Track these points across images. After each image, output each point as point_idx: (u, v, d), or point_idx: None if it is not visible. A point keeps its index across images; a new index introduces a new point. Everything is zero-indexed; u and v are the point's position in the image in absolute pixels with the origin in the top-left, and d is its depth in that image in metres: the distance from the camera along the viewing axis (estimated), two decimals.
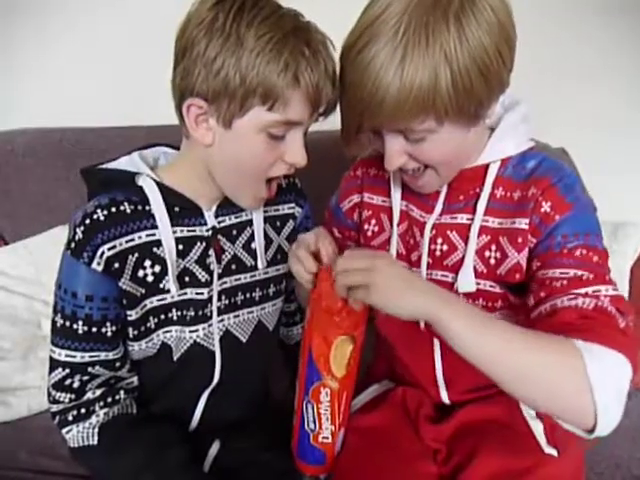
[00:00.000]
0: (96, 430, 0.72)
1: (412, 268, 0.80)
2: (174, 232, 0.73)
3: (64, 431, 0.73)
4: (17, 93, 1.54)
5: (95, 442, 0.72)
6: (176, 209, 0.73)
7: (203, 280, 0.76)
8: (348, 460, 0.77)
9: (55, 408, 0.74)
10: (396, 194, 0.81)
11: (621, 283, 1.25)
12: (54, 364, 0.72)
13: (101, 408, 0.73)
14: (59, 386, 0.72)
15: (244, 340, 0.82)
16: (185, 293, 0.75)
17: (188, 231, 0.75)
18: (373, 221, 0.84)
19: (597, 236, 0.68)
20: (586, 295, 0.63)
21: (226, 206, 0.77)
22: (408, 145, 0.68)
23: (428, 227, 0.77)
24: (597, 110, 1.41)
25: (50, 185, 1.38)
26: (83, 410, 0.72)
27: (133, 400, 0.77)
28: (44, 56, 1.53)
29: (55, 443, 1.01)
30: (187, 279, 0.75)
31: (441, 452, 0.78)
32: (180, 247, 0.74)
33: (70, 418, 0.72)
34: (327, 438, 0.75)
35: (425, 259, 0.78)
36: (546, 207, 0.68)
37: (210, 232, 0.76)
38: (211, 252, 0.76)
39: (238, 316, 0.81)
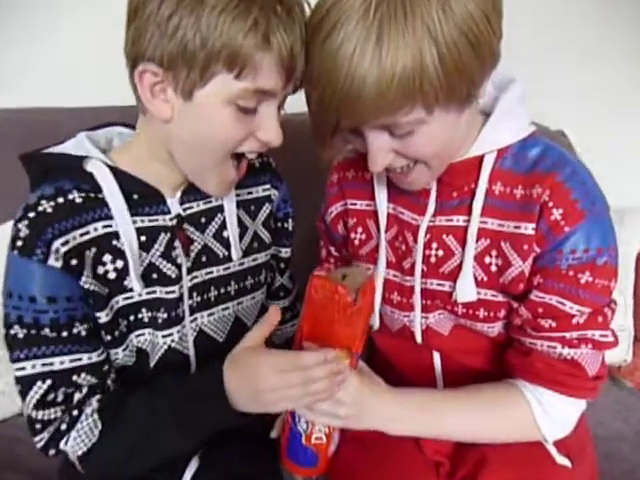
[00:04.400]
0: (96, 416, 0.63)
1: (405, 277, 0.73)
2: (134, 222, 0.64)
3: (62, 447, 0.63)
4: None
5: (99, 428, 0.62)
6: (134, 196, 0.64)
7: (172, 276, 0.67)
8: (343, 474, 0.70)
9: (41, 437, 0.62)
10: (381, 195, 0.73)
11: (626, 272, 1.22)
12: (27, 381, 0.60)
13: (93, 396, 0.64)
14: (41, 404, 0.61)
15: (221, 340, 0.73)
16: (154, 292, 0.66)
17: (150, 221, 0.65)
18: (359, 229, 0.77)
19: (609, 249, 0.62)
20: (569, 342, 0.64)
21: (192, 191, 0.68)
22: (394, 141, 0.59)
23: (422, 231, 0.69)
24: (597, 91, 1.34)
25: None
26: (75, 412, 0.63)
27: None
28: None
29: (19, 454, 0.92)
30: (154, 276, 0.66)
31: (444, 466, 0.73)
32: (142, 239, 0.65)
33: (64, 427, 0.62)
34: (320, 439, 0.68)
35: (419, 267, 0.71)
36: (556, 215, 0.61)
37: (175, 221, 0.67)
38: (177, 244, 0.67)
39: (213, 314, 0.72)
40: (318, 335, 0.62)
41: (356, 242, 0.77)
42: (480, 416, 0.68)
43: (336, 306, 0.60)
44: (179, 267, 0.67)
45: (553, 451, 0.70)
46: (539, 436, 0.67)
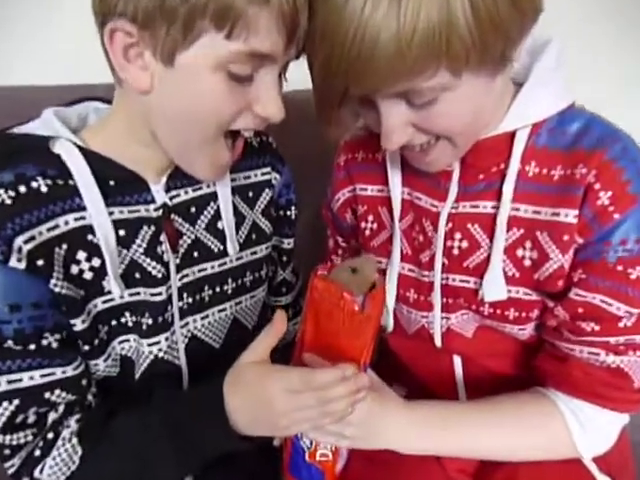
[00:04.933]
0: (75, 440, 0.54)
1: (423, 272, 0.65)
2: (110, 213, 0.55)
3: (37, 475, 0.54)
4: None
5: (79, 454, 0.54)
6: (111, 183, 0.55)
7: (158, 276, 0.58)
8: None
9: (12, 463, 0.54)
10: (395, 179, 0.65)
11: None
12: None
13: (71, 415, 0.56)
14: (9, 427, 0.53)
15: (217, 346, 0.65)
16: (138, 293, 0.57)
17: (130, 212, 0.56)
18: (370, 217, 0.69)
19: None
20: (615, 348, 0.57)
21: (180, 176, 0.59)
22: (413, 113, 0.51)
23: (442, 219, 0.61)
24: (615, 63, 1.21)
25: None
26: (50, 435, 0.54)
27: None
28: None
29: None
30: (137, 275, 0.57)
31: None
32: (121, 233, 0.56)
33: (37, 453, 0.54)
34: (326, 455, 0.61)
35: (439, 260, 0.63)
36: (604, 199, 0.53)
37: (160, 211, 0.58)
38: (163, 238, 0.58)
39: (207, 317, 0.63)
40: (322, 345, 0.54)
41: (367, 232, 0.69)
42: (509, 432, 0.61)
43: (341, 314, 0.52)
44: (166, 265, 0.59)
45: (593, 468, 0.62)
46: (575, 453, 0.60)
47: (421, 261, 0.65)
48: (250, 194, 0.67)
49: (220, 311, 0.65)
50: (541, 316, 0.61)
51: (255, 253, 0.68)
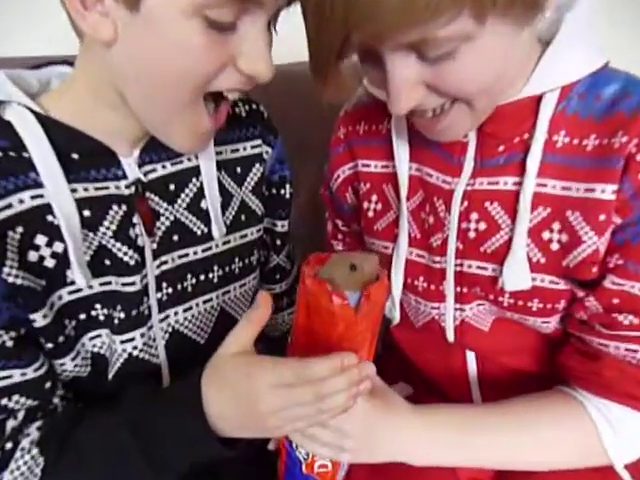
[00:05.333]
0: (35, 451, 0.47)
1: (434, 257, 0.57)
2: (73, 191, 0.47)
3: None
4: None
5: (41, 466, 0.47)
6: (74, 155, 0.47)
7: (131, 263, 0.50)
8: None
9: None
10: (401, 152, 0.58)
11: None
12: None
13: (32, 423, 0.49)
14: None
15: (202, 341, 0.58)
16: (109, 283, 0.50)
17: (97, 189, 0.49)
18: (374, 197, 0.62)
19: None
20: None
21: (156, 148, 0.51)
22: (426, 69, 0.43)
23: (457, 197, 0.55)
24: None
25: None
26: (8, 445, 0.47)
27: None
28: None
29: None
30: (107, 262, 0.50)
31: None
32: (86, 213, 0.48)
33: None
34: (325, 467, 0.55)
35: (453, 244, 0.56)
36: None
37: (132, 189, 0.50)
38: (136, 219, 0.51)
39: (190, 309, 0.56)
40: (314, 345, 0.47)
41: (370, 214, 0.62)
42: (532, 439, 0.54)
43: (332, 317, 0.45)
44: (140, 250, 0.51)
45: (626, 477, 0.56)
46: (606, 460, 0.54)
47: (432, 245, 0.58)
48: (238, 170, 0.59)
49: (205, 302, 0.58)
50: (569, 307, 0.54)
51: (245, 236, 0.60)
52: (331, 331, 0.45)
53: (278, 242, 0.68)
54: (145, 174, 0.51)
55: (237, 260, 0.60)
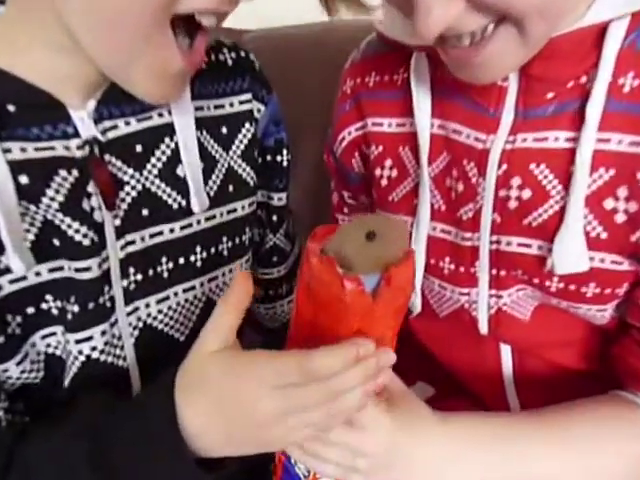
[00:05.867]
0: None
1: (463, 234, 0.49)
2: (6, 152, 0.37)
3: None
4: None
5: None
6: (9, 107, 0.38)
7: (85, 242, 0.40)
8: None
9: None
10: (422, 105, 0.49)
11: None
12: None
13: None
14: None
15: (182, 338, 0.48)
16: (61, 268, 0.40)
17: (38, 150, 0.39)
18: (387, 162, 0.53)
19: None
20: None
21: (118, 99, 0.41)
22: None
23: (493, 158, 0.45)
24: None
25: None
26: None
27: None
28: None
29: None
30: (56, 242, 0.40)
31: None
32: (23, 181, 0.38)
33: None
34: None
35: (488, 216, 0.47)
36: None
37: (86, 150, 0.40)
38: (92, 188, 0.40)
39: (166, 299, 0.46)
40: (318, 346, 0.37)
41: (383, 183, 0.53)
42: (587, 453, 0.45)
43: (343, 307, 0.35)
44: (99, 227, 0.41)
45: None
46: None
47: (460, 219, 0.49)
48: (224, 130, 0.49)
49: (186, 291, 0.48)
50: (630, 292, 0.45)
51: (233, 211, 0.50)
52: (340, 324, 0.35)
53: (275, 218, 0.58)
54: (103, 132, 0.41)
55: (225, 240, 0.50)
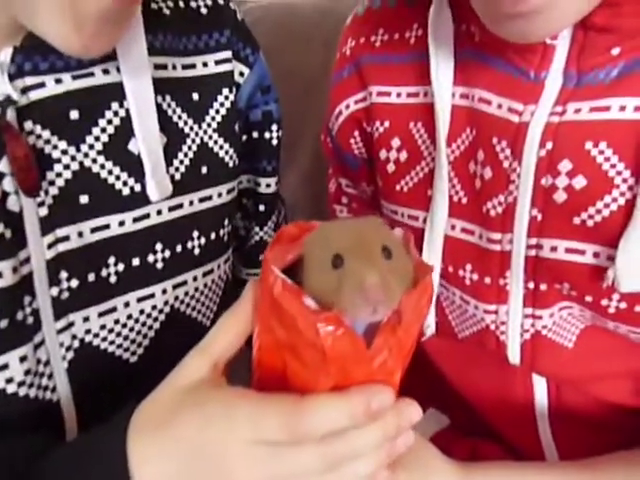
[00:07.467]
0: None
1: (491, 234, 0.39)
2: None
3: None
4: None
5: None
6: None
7: None
8: None
9: None
10: (442, 71, 0.40)
11: None
12: None
13: None
14: None
15: (133, 359, 0.38)
16: None
17: None
18: (396, 141, 0.45)
19: None
20: None
21: (44, 48, 0.31)
22: None
23: (533, 134, 0.36)
24: None
25: None
26: None
27: None
28: None
29: None
30: None
31: None
32: None
33: None
34: None
35: (526, 212, 0.38)
36: None
37: None
38: (4, 166, 0.31)
39: (112, 310, 0.37)
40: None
41: (389, 168, 0.45)
42: None
43: (320, 357, 0.25)
44: (16, 219, 0.31)
45: None
46: None
47: (487, 215, 0.39)
48: (194, 96, 0.40)
49: (141, 300, 0.38)
50: None
51: (208, 199, 0.41)
52: (319, 379, 0.25)
53: (262, 208, 0.49)
54: (24, 91, 0.31)
55: (197, 235, 0.41)
